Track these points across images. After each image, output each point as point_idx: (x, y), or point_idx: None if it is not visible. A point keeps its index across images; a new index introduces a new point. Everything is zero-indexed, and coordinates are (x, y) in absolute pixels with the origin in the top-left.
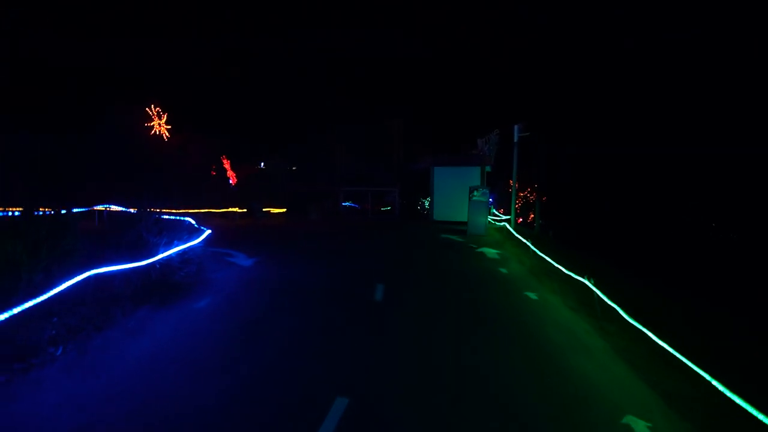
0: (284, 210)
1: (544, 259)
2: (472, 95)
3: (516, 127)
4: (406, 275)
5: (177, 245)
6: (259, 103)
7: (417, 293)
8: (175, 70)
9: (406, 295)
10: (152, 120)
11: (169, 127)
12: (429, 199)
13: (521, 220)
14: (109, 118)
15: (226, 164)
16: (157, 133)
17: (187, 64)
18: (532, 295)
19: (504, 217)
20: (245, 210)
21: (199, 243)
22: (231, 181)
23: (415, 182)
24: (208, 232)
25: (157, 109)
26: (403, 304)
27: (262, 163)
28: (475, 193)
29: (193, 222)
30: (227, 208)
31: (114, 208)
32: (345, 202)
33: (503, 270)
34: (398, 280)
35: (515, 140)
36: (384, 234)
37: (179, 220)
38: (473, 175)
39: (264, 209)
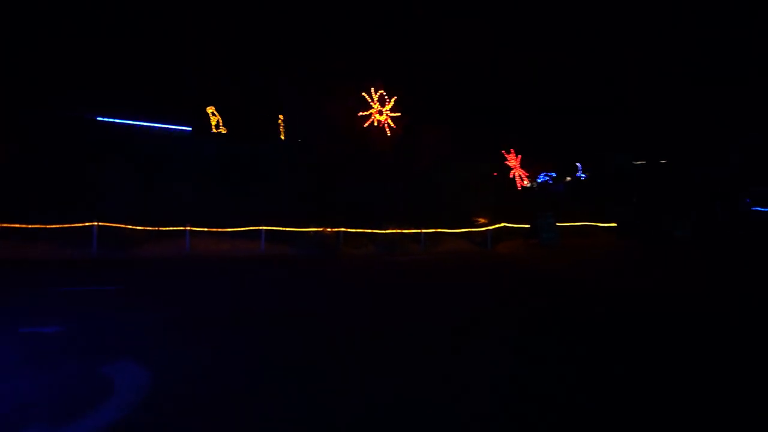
0: (614, 225)
1: None
2: None
3: None
4: None
5: None
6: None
7: None
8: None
9: None
10: (370, 107)
11: (398, 114)
12: None
13: None
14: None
15: (512, 161)
16: (377, 124)
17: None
18: None
19: None
20: (529, 226)
21: None
22: (518, 184)
23: None
24: None
25: (380, 92)
26: None
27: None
28: None
29: None
30: (495, 223)
31: None
32: (758, 207)
33: None
34: None
35: None
36: None
37: None
38: None
39: (576, 223)
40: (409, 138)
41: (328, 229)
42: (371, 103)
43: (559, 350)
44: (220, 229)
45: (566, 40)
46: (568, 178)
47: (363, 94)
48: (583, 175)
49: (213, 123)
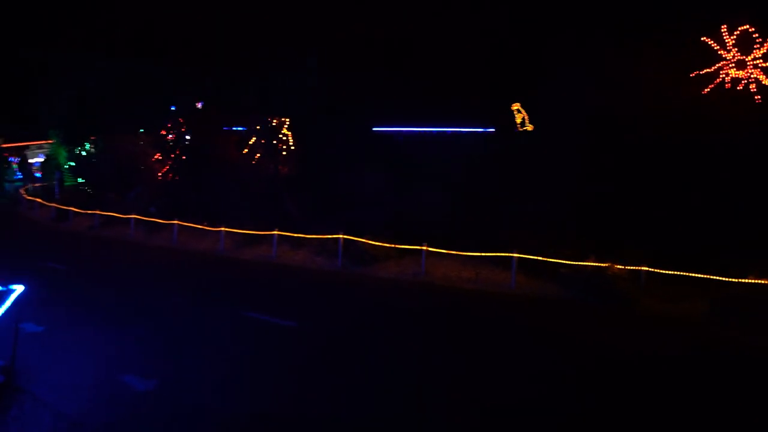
0: None
1: None
2: None
3: None
4: None
5: None
6: None
7: None
8: None
9: None
10: (718, 59)
11: None
12: None
13: None
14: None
15: None
16: (730, 85)
17: None
18: None
19: None
20: None
21: None
22: None
23: None
24: None
25: (740, 29)
26: None
27: None
28: None
29: None
30: None
31: None
32: None
33: None
34: None
35: None
36: None
37: None
38: None
39: None
40: None
41: (617, 266)
42: (720, 52)
43: None
44: (462, 252)
45: None
46: None
47: (705, 39)
48: None
49: (518, 121)
